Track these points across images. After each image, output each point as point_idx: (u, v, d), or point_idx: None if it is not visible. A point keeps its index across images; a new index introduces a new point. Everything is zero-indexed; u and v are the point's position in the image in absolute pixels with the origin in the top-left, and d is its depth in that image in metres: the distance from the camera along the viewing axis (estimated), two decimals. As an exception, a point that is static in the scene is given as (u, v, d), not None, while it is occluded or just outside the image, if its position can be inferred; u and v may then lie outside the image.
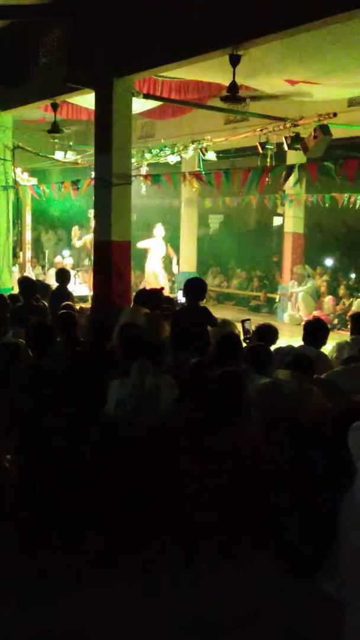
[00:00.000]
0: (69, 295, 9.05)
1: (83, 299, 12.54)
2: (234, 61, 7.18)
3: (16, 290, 9.96)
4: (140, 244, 14.52)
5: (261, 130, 11.77)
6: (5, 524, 3.89)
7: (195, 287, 6.99)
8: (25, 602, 3.35)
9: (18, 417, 4.54)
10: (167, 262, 15.50)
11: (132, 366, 5.01)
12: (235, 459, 3.84)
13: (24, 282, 8.89)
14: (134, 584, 3.51)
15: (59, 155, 14.92)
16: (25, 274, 12.72)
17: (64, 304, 7.94)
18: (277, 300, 15.08)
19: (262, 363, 5.25)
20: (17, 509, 3.97)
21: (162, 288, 9.89)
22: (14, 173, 11.70)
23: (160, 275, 14.66)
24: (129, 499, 3.86)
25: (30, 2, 9.03)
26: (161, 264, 14.81)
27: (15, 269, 12.59)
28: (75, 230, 15.79)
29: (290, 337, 8.94)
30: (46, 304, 8.53)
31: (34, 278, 11.46)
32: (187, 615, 3.31)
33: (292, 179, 9.92)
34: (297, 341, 6.57)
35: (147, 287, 10.33)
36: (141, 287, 12.32)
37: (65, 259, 16.34)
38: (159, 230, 14.71)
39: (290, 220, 14.69)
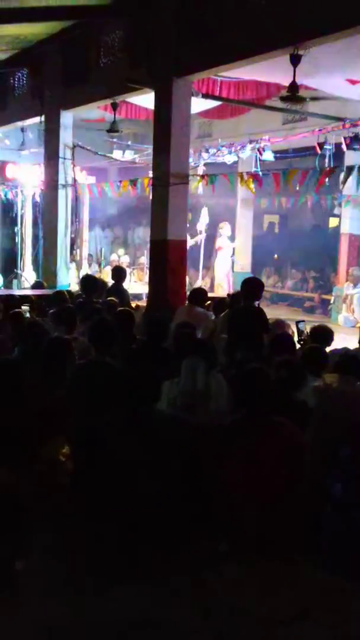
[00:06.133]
0: (124, 293, 9.14)
1: (138, 296, 12.63)
2: (295, 60, 7.14)
3: (73, 287, 10.12)
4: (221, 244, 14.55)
5: (320, 130, 11.68)
6: (60, 517, 3.96)
7: (251, 286, 6.95)
8: (78, 593, 3.41)
9: (74, 411, 4.61)
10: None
11: (182, 364, 5.02)
12: (277, 457, 3.83)
13: (85, 279, 9.04)
14: (180, 579, 3.54)
15: (117, 154, 15.05)
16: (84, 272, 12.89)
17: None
18: (331, 301, 14.92)
19: (318, 366, 5.20)
20: (72, 502, 4.03)
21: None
22: (73, 171, 11.85)
23: (230, 275, 14.63)
24: (177, 494, 3.90)
25: (92, 3, 9.15)
26: (230, 264, 14.81)
27: (72, 266, 12.75)
28: None
29: (344, 340, 8.84)
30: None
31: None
32: (233, 612, 3.31)
33: (350, 179, 9.81)
34: (352, 344, 6.51)
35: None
36: (196, 286, 12.35)
37: (121, 257, 16.45)
38: (226, 229, 14.67)
39: (347, 221, 14.53)
